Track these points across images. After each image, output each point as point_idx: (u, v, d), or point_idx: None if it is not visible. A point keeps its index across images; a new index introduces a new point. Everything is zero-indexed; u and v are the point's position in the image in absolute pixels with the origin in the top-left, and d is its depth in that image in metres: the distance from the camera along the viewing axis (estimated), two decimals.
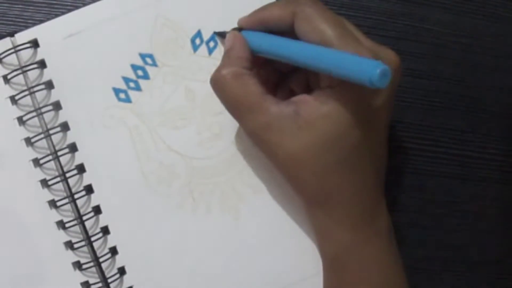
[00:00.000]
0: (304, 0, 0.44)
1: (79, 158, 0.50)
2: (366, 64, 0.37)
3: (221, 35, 0.50)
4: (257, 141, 0.45)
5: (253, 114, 0.44)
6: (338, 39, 0.42)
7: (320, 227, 0.47)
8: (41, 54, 0.50)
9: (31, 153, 0.50)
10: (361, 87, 0.42)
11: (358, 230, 0.45)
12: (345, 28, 0.43)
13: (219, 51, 0.51)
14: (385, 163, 0.46)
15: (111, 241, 0.50)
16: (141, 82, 0.51)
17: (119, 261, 0.50)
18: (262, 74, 0.47)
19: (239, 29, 0.48)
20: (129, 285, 0.50)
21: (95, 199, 0.50)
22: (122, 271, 0.50)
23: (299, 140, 0.43)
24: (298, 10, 0.44)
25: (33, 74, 0.50)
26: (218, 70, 0.46)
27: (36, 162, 0.50)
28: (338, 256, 0.46)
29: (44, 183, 0.50)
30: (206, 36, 0.51)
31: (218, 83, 0.46)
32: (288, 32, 0.45)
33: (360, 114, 0.43)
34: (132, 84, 0.50)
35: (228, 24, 0.50)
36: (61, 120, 0.50)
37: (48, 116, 0.50)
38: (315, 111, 0.43)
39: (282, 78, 0.49)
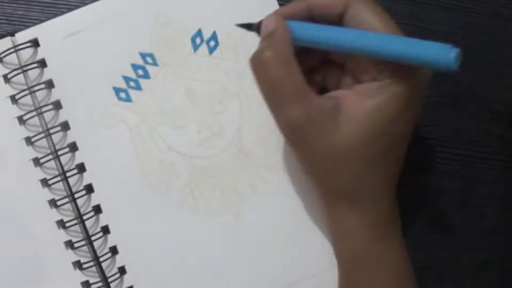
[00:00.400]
0: None
1: (79, 158, 0.50)
2: (441, 48, 0.39)
3: (248, 26, 0.46)
4: (294, 133, 0.44)
5: (294, 103, 0.42)
6: (396, 28, 0.42)
7: (340, 225, 0.46)
8: (41, 53, 0.50)
9: (31, 153, 0.50)
10: (410, 81, 0.42)
11: (375, 228, 0.45)
12: (394, 25, 0.43)
13: (220, 51, 0.51)
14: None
15: (112, 240, 0.50)
16: (142, 81, 0.51)
17: (119, 260, 0.50)
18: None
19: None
20: (129, 284, 0.50)
21: (95, 199, 0.50)
22: (122, 270, 0.50)
23: (340, 136, 0.42)
24: (351, 0, 0.43)
25: (33, 74, 0.50)
26: (261, 51, 0.43)
27: (36, 161, 0.50)
28: (355, 254, 0.46)
29: (44, 182, 0.50)
30: (206, 35, 0.51)
31: (260, 65, 0.43)
32: (332, 22, 0.44)
33: (403, 111, 0.42)
34: (132, 84, 0.50)
35: (228, 23, 0.50)
36: (61, 119, 0.50)
37: (48, 116, 0.50)
38: (358, 106, 0.42)
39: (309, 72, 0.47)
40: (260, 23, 0.45)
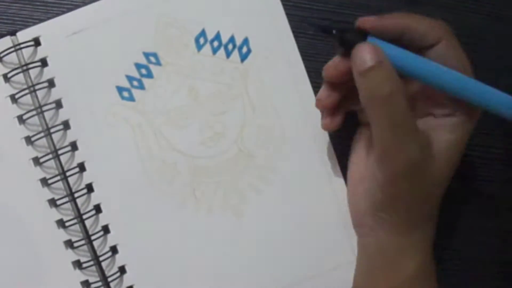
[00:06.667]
0: (451, 32, 0.45)
1: (80, 157, 0.50)
2: (509, 100, 0.44)
3: (325, 30, 0.44)
4: (413, 171, 0.44)
5: (414, 139, 0.43)
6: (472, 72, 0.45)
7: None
8: (43, 52, 0.50)
9: (31, 152, 0.50)
10: (474, 120, 0.45)
11: (404, 235, 0.46)
12: (470, 69, 0.45)
13: (223, 51, 0.51)
14: None
15: (112, 240, 0.50)
16: (145, 81, 0.50)
17: (119, 260, 0.50)
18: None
19: (363, 32, 0.44)
20: (129, 284, 0.50)
21: (95, 198, 0.50)
22: (122, 270, 0.50)
23: (433, 170, 0.45)
24: (447, 36, 0.44)
25: (34, 73, 0.50)
26: (378, 86, 0.41)
27: (36, 160, 0.50)
28: (380, 246, 0.47)
29: (44, 181, 0.50)
30: (210, 35, 0.51)
31: (383, 101, 0.42)
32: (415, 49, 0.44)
33: (466, 139, 0.46)
34: (135, 83, 0.50)
35: (231, 23, 0.50)
36: (62, 118, 0.50)
37: (49, 115, 0.50)
38: (441, 140, 0.45)
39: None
40: (341, 33, 0.44)
